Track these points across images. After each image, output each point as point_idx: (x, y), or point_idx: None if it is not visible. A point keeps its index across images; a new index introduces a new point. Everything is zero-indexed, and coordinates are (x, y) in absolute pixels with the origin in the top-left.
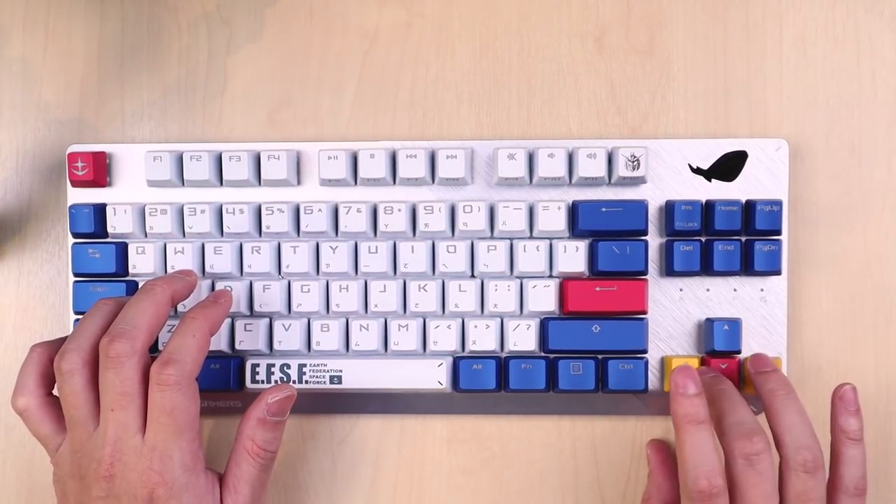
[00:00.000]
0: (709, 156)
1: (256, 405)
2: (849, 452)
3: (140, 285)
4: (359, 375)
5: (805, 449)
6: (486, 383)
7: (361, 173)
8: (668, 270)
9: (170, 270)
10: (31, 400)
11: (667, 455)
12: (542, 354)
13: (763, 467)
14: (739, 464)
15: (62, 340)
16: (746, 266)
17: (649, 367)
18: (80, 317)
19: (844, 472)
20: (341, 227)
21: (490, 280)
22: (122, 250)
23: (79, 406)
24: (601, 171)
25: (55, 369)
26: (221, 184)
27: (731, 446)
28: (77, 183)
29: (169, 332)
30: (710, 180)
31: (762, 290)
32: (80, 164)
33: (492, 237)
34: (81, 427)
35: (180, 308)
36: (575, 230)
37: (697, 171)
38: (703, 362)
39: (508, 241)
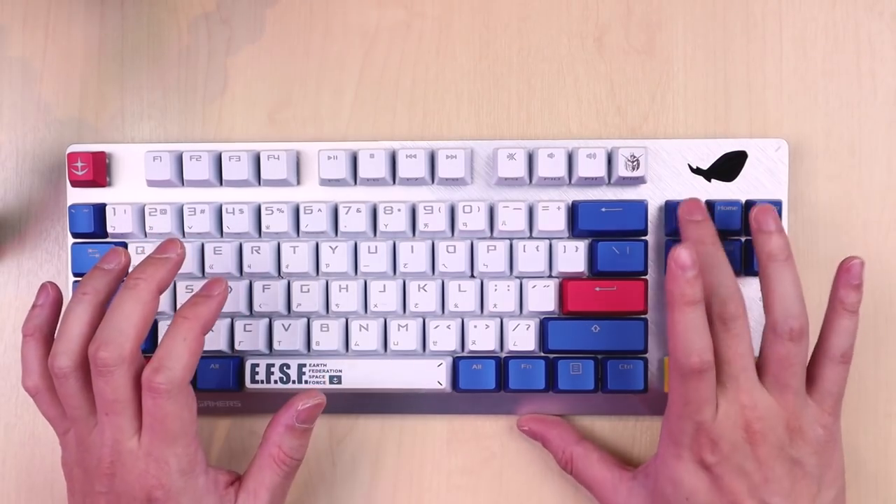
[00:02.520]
0: (708, 156)
1: (285, 411)
2: (842, 322)
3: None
4: (359, 375)
5: (793, 318)
6: (485, 383)
7: (361, 173)
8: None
9: None
10: (40, 382)
11: (541, 419)
12: (542, 354)
13: (737, 330)
14: (717, 327)
15: (54, 320)
16: (746, 266)
17: (649, 367)
18: None
19: (834, 341)
20: (341, 227)
21: (490, 280)
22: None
23: (76, 406)
24: (601, 172)
25: (50, 370)
26: (221, 184)
27: (710, 311)
28: (77, 183)
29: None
30: (709, 180)
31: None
32: (79, 164)
33: (491, 237)
34: (82, 423)
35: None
36: (575, 230)
37: (697, 171)
38: None
39: (508, 241)
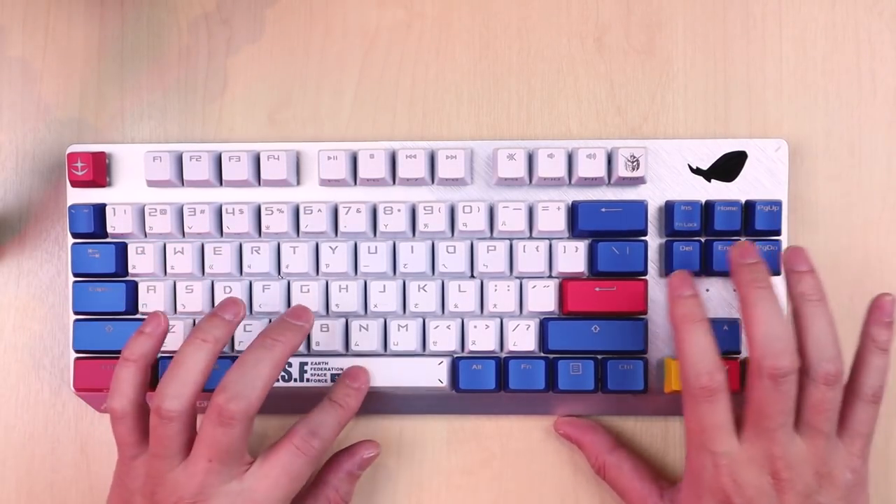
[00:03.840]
0: (708, 156)
1: (350, 458)
2: (874, 361)
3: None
4: None
5: (828, 361)
6: (485, 383)
7: (361, 173)
8: (668, 271)
9: (169, 271)
10: (129, 408)
11: (577, 423)
12: (542, 354)
13: (786, 387)
14: (766, 382)
15: (157, 350)
16: None
17: (649, 367)
18: (79, 317)
19: (865, 380)
20: (341, 228)
21: (490, 280)
22: (121, 250)
23: (169, 447)
24: (601, 172)
25: (152, 408)
26: (221, 184)
27: (759, 362)
28: (77, 183)
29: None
30: (709, 180)
31: None
32: (79, 165)
33: (491, 237)
34: (165, 462)
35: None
36: (574, 230)
37: (697, 171)
38: None
39: (508, 242)
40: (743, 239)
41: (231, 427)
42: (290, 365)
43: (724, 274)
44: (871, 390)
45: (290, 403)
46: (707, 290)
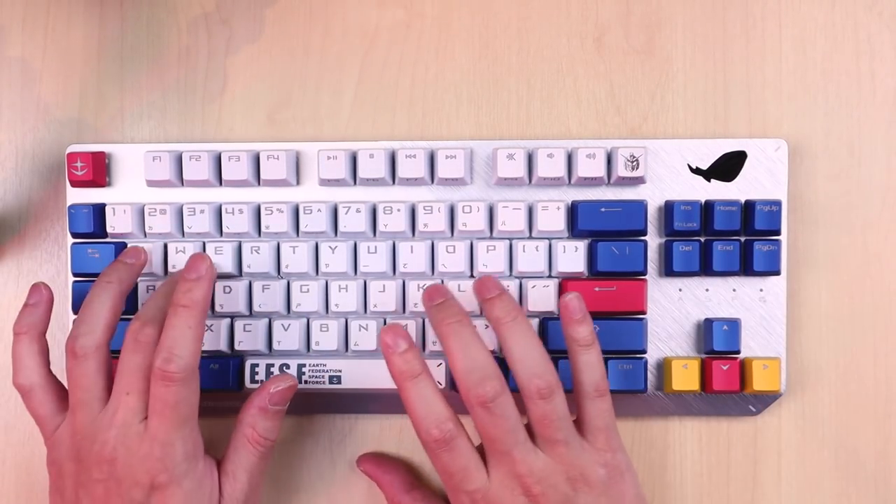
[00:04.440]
0: (708, 156)
1: (258, 394)
2: (583, 359)
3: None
4: (358, 375)
5: (536, 377)
6: None
7: (361, 173)
8: (668, 270)
9: (170, 270)
10: (35, 379)
11: (379, 461)
12: None
13: (501, 408)
14: (478, 411)
15: (47, 319)
16: (746, 266)
17: (648, 367)
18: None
19: (583, 378)
20: (340, 227)
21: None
22: (121, 250)
23: (88, 388)
24: (600, 172)
25: (67, 352)
26: (221, 184)
27: (466, 395)
28: (76, 183)
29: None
30: (709, 180)
31: (761, 290)
32: (79, 164)
33: (491, 237)
34: (86, 409)
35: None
36: (574, 230)
37: (697, 171)
38: (702, 363)
39: (508, 241)
40: (433, 284)
41: (147, 353)
42: (287, 367)
43: (724, 274)
44: (592, 387)
45: (289, 405)
46: (707, 290)
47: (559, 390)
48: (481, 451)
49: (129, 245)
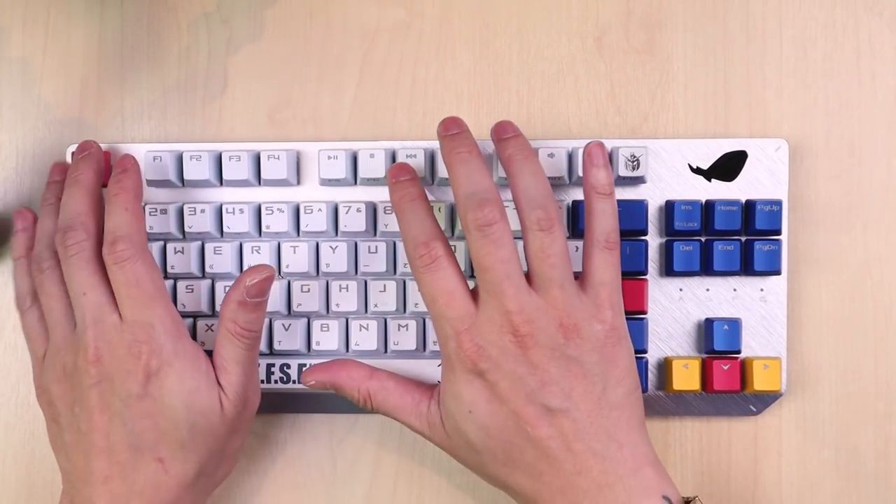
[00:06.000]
0: (709, 156)
1: (235, 288)
2: (598, 206)
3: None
4: None
5: (538, 208)
6: None
7: (361, 173)
8: (668, 270)
9: (170, 271)
10: (29, 300)
11: (326, 366)
12: None
13: (497, 234)
14: (474, 235)
15: (33, 237)
16: (746, 266)
17: (649, 367)
18: None
19: (595, 226)
20: (341, 227)
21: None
22: None
23: (60, 296)
24: None
25: (32, 274)
26: (221, 184)
27: (464, 219)
28: None
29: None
30: (709, 180)
31: (762, 290)
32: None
33: None
34: (61, 326)
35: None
36: (575, 230)
37: (697, 170)
38: (703, 363)
39: None
40: (450, 116)
41: (81, 252)
42: (288, 367)
43: (724, 273)
44: (604, 236)
45: (289, 404)
46: (707, 290)
47: (560, 227)
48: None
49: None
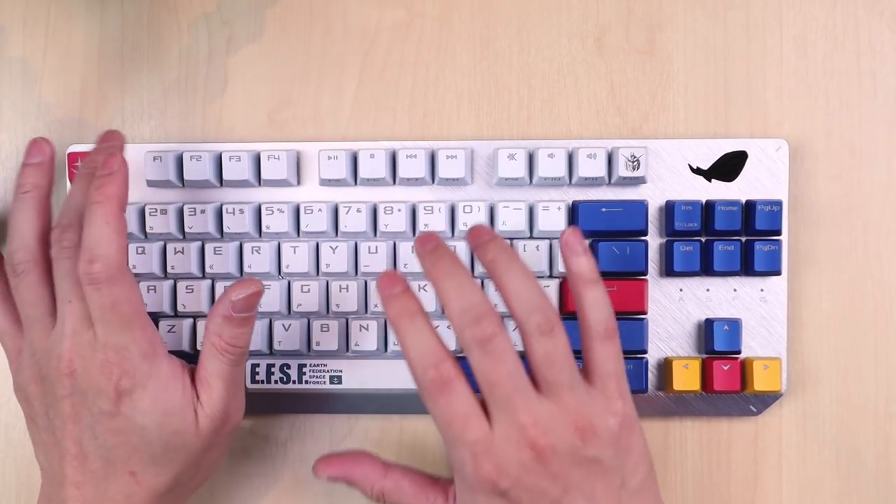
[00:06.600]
0: (709, 156)
1: (221, 302)
2: (589, 296)
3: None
4: (359, 375)
5: (535, 312)
6: None
7: (361, 173)
8: (668, 271)
9: (170, 271)
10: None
11: (341, 458)
12: None
13: (499, 348)
14: (476, 352)
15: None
16: (746, 266)
17: (649, 367)
18: None
19: (590, 317)
20: (341, 227)
21: (490, 280)
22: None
23: (35, 303)
24: (601, 172)
25: (7, 271)
26: (221, 184)
27: (462, 336)
28: None
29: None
30: (710, 180)
31: (762, 290)
32: (80, 164)
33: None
34: (39, 326)
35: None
36: None
37: (697, 171)
38: (703, 363)
39: (509, 241)
40: (422, 232)
41: (69, 261)
42: (288, 367)
43: (724, 274)
44: (601, 326)
45: (289, 405)
46: (707, 290)
47: (560, 328)
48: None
49: (129, 245)
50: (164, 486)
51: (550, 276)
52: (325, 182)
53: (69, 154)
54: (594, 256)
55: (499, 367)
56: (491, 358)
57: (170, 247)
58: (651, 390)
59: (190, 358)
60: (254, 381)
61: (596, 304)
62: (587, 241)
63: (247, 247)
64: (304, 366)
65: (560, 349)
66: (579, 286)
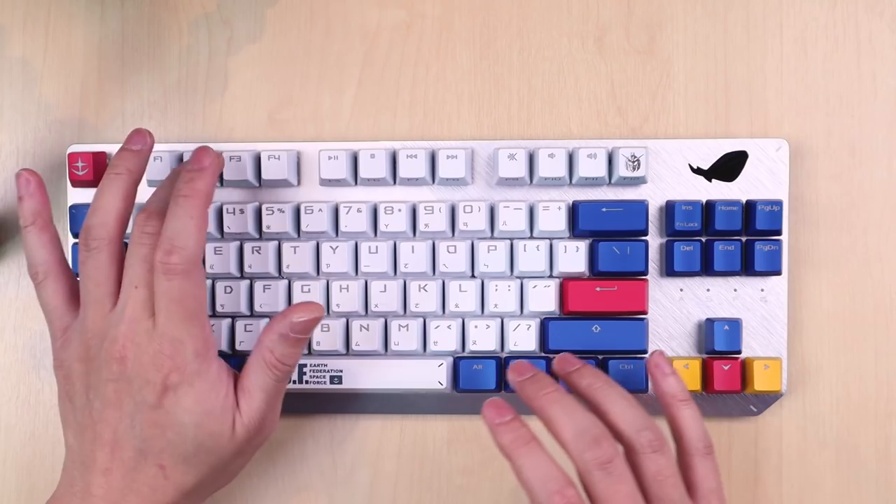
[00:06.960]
0: (709, 156)
1: (282, 319)
2: (685, 413)
3: None
4: (359, 376)
5: (644, 430)
6: (486, 383)
7: (362, 173)
8: (669, 270)
9: None
10: (47, 267)
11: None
12: (543, 354)
13: (619, 470)
14: (595, 475)
15: (48, 205)
16: (747, 266)
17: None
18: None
19: (688, 434)
20: (341, 227)
21: (490, 280)
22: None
23: (100, 283)
24: (601, 172)
25: (80, 245)
26: (222, 184)
27: (581, 459)
28: (77, 183)
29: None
30: (710, 180)
31: (762, 290)
32: (80, 164)
33: (492, 237)
34: (98, 306)
35: None
36: (575, 230)
37: (698, 171)
38: (703, 363)
39: (509, 242)
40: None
41: (147, 245)
42: None
43: (724, 274)
44: (701, 442)
45: (289, 405)
46: (708, 290)
47: (668, 445)
48: None
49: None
50: (190, 484)
51: (550, 276)
52: (326, 182)
53: (69, 154)
54: (594, 256)
55: (621, 489)
56: (613, 479)
57: None
58: (652, 390)
59: None
60: None
61: (694, 420)
62: (587, 241)
63: (247, 247)
64: (305, 366)
65: (671, 465)
66: (673, 405)
